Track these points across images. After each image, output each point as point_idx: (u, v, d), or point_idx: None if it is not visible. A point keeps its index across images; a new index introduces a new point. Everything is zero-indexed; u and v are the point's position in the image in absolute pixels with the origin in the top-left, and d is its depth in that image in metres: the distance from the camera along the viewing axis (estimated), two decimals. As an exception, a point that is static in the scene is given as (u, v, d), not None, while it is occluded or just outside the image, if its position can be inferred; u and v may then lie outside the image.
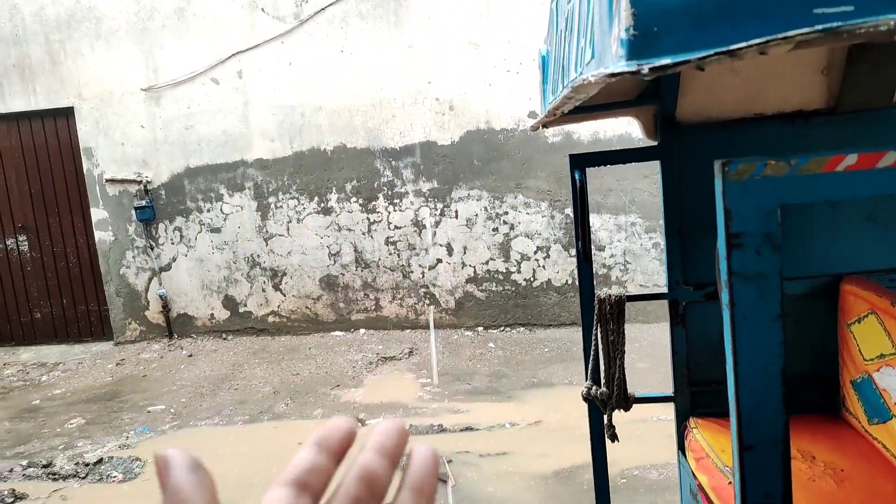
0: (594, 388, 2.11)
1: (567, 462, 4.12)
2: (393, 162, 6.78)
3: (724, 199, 0.70)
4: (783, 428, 0.70)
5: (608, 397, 2.09)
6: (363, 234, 6.94)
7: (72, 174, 7.40)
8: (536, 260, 6.67)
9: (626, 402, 2.10)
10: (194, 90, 6.95)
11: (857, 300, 1.78)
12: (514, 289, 6.75)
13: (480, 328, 6.91)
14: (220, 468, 4.50)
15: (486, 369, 5.94)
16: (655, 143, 1.93)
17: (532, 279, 6.72)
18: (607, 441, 2.19)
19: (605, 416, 2.12)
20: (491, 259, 6.75)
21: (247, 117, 6.92)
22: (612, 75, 0.66)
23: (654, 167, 2.09)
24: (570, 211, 6.38)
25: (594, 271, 6.48)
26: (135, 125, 7.10)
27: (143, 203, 7.09)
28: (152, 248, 7.30)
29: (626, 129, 6.08)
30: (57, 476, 4.56)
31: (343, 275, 7.04)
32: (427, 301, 6.94)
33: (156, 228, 7.26)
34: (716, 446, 1.86)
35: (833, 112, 1.76)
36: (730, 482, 1.69)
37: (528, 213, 6.61)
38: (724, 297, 0.70)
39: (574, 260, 6.52)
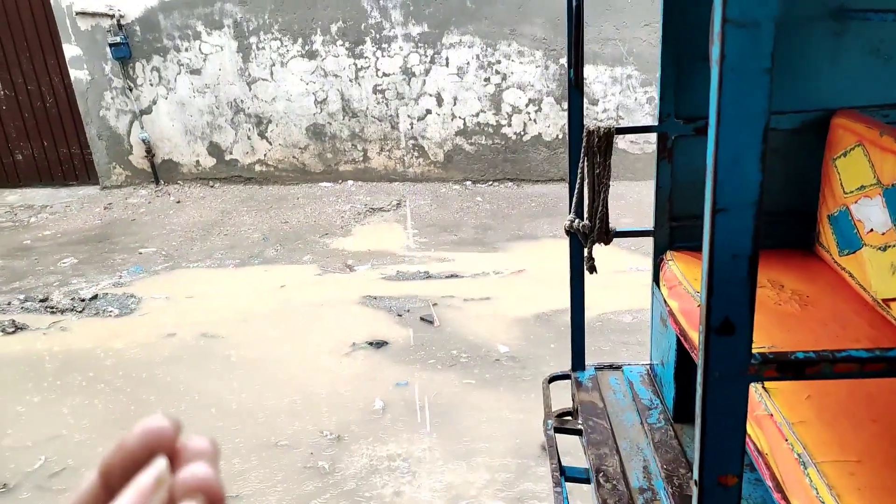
0: (577, 221, 2.14)
1: (547, 307, 4.30)
2: (381, 1, 6.37)
3: None
4: (757, 190, 0.70)
5: (590, 230, 2.12)
6: (350, 81, 6.69)
7: (38, 6, 6.92)
8: (528, 113, 6.52)
9: (608, 235, 2.14)
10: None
11: (845, 133, 1.76)
12: (503, 142, 6.66)
13: (469, 182, 6.91)
14: (215, 304, 4.67)
15: (473, 222, 6.02)
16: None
17: (522, 133, 6.61)
18: (585, 282, 2.26)
19: (586, 249, 2.16)
20: (481, 111, 6.59)
21: (223, -54, 6.37)
22: None
23: (656, 13, 1.97)
24: (564, 61, 6.14)
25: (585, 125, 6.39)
26: (102, -48, 6.54)
27: (118, 39, 6.71)
28: (131, 90, 7.03)
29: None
30: (55, 309, 4.72)
31: (330, 124, 6.88)
32: (416, 153, 6.86)
33: (133, 68, 6.94)
34: (689, 275, 1.92)
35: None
36: (699, 305, 1.77)
37: (521, 63, 6.36)
38: (715, 51, 0.67)
39: (566, 114, 6.38)
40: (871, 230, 1.62)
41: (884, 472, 1.08)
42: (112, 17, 6.73)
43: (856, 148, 1.71)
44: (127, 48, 6.79)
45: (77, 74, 7.00)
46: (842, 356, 0.75)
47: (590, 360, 2.36)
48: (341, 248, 5.60)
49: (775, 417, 1.23)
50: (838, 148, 1.81)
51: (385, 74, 6.62)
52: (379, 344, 3.99)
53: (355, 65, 6.62)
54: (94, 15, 6.76)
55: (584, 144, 2.02)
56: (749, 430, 1.34)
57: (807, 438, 1.15)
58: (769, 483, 1.17)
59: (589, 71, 6.21)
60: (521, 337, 3.99)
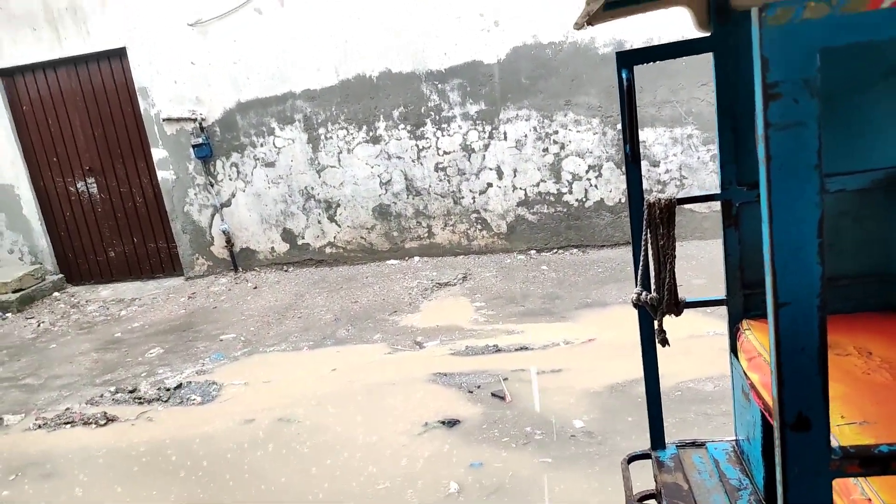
0: (644, 293, 2.11)
1: (621, 377, 4.17)
2: (439, 85, 6.67)
3: (762, 47, 0.67)
4: (819, 283, 0.69)
5: (658, 302, 2.08)
6: (412, 161, 6.95)
7: (130, 115, 7.63)
8: (588, 179, 6.54)
9: (677, 306, 2.09)
10: (238, 22, 6.94)
11: (923, 191, 1.69)
12: (565, 210, 6.68)
13: (533, 251, 6.91)
14: (290, 388, 4.77)
15: (540, 291, 5.98)
16: (708, 34, 1.83)
17: (584, 199, 6.61)
18: (660, 350, 2.20)
19: (656, 322, 2.12)
20: (542, 181, 6.66)
21: (291, 47, 6.90)
22: None
23: (711, 73, 1.99)
24: (620, 126, 6.18)
25: (649, 188, 6.33)
26: (185, 62, 7.20)
27: (200, 140, 7.28)
28: (212, 185, 7.54)
29: (681, 33, 5.75)
30: (142, 400, 4.94)
31: (395, 203, 7.12)
32: (479, 226, 6.96)
33: (214, 165, 7.47)
34: (767, 345, 1.84)
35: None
36: (780, 378, 1.69)
37: (578, 132, 6.45)
38: (760, 151, 0.68)
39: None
40: (963, 291, 1.52)
41: None
42: (195, 120, 7.32)
43: (935, 205, 1.63)
44: (208, 148, 7.34)
45: (164, 175, 7.59)
46: None
47: (671, 431, 2.26)
48: (410, 324, 5.66)
49: (874, 502, 1.14)
50: (916, 205, 1.73)
51: (445, 153, 6.84)
52: (451, 423, 3.95)
53: (417, 146, 6.88)
54: (178, 120, 7.38)
55: (645, 216, 2.01)
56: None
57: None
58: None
59: (647, 134, 6.22)
60: (596, 410, 3.86)
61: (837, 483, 1.34)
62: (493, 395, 4.22)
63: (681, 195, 2.10)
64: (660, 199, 1.96)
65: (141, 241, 8.03)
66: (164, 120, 7.41)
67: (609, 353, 4.58)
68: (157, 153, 7.55)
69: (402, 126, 6.87)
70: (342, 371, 4.94)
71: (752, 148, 2.00)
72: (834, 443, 1.38)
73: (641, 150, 6.25)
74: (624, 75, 1.81)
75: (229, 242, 7.64)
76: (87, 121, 7.75)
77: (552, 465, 3.40)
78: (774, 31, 0.67)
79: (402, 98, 6.80)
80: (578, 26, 1.63)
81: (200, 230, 7.70)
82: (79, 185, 7.98)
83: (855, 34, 0.67)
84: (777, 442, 0.72)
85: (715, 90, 1.99)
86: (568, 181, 6.60)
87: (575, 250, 6.78)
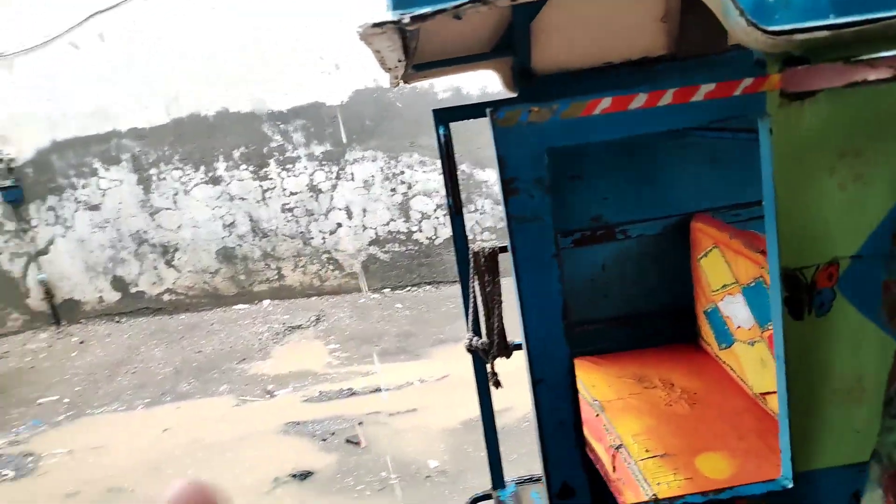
0: (475, 339, 2.16)
1: (474, 413, 4.21)
2: (281, 126, 6.54)
3: (497, 146, 0.72)
4: (567, 361, 0.74)
5: (489, 346, 2.14)
6: (257, 202, 6.71)
7: (-80, 156, 6.67)
8: (437, 217, 6.70)
9: (507, 349, 2.17)
10: (53, 56, 6.36)
11: (703, 236, 1.91)
12: (416, 248, 6.78)
13: (387, 289, 6.92)
14: (122, 453, 4.34)
15: (395, 330, 5.99)
16: (515, 95, 1.96)
17: (434, 237, 6.76)
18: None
19: (488, 365, 2.18)
20: (392, 220, 6.72)
21: (115, 84, 6.42)
22: (376, 25, 0.65)
23: None
24: (465, 167, 6.43)
25: (493, 225, 6.62)
26: (-12, 98, 6.45)
27: (8, 183, 6.52)
28: (25, 231, 6.75)
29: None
30: (-62, 482, 4.25)
31: (240, 245, 6.81)
32: (331, 266, 6.85)
33: (27, 210, 6.70)
34: (587, 382, 1.97)
35: (675, 57, 1.84)
36: (597, 414, 1.80)
37: (424, 171, 6.60)
38: (508, 239, 0.73)
39: (472, 216, 6.61)
40: (739, 326, 1.73)
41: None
42: (1, 161, 6.55)
43: (713, 249, 1.85)
44: (19, 191, 6.59)
45: (-35, 221, 6.69)
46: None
47: (523, 461, 2.33)
48: (260, 372, 5.40)
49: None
50: (700, 249, 1.95)
51: (292, 193, 6.69)
52: (303, 475, 3.80)
53: (261, 186, 6.67)
54: (-19, 160, 6.56)
55: (472, 265, 2.08)
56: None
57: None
58: None
59: (489, 174, 6.52)
60: (451, 448, 3.90)
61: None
62: (347, 441, 4.12)
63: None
64: (483, 249, 2.04)
65: (-63, 297, 6.98)
66: (-37, 160, 6.56)
67: (462, 389, 4.64)
68: (-43, 197, 6.65)
69: (243, 166, 6.62)
70: (183, 429, 4.57)
71: (565, 200, 2.15)
72: (639, 478, 1.48)
73: (485, 190, 6.54)
74: (441, 132, 1.88)
75: (49, 294, 6.85)
76: None
77: (407, 511, 3.37)
78: (506, 133, 0.73)
79: (242, 138, 6.57)
80: (394, 85, 1.67)
81: (12, 281, 6.85)
82: None
83: (576, 136, 0.74)
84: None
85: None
86: (417, 220, 6.72)
87: (428, 287, 6.89)
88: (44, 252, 6.81)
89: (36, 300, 6.89)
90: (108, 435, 4.65)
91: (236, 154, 6.60)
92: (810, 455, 0.78)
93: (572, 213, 2.14)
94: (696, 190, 2.04)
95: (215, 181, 6.66)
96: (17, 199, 6.59)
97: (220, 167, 6.63)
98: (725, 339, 1.82)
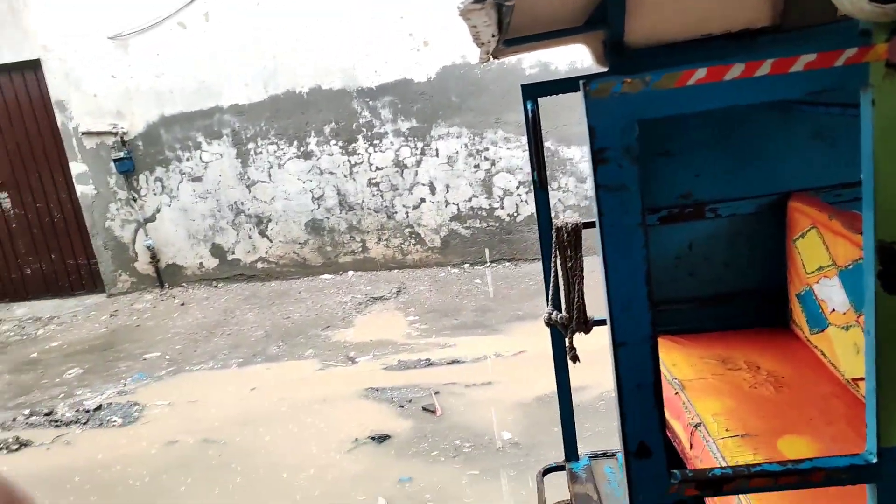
0: (555, 312, 2.19)
1: (549, 388, 4.26)
2: (370, 102, 6.69)
3: (588, 117, 0.74)
4: (650, 325, 0.76)
5: (568, 321, 2.16)
6: (345, 176, 6.93)
7: (47, 128, 7.30)
8: (519, 195, 6.69)
9: (586, 324, 2.18)
10: (162, 36, 6.78)
11: (800, 216, 1.83)
12: (497, 224, 6.81)
13: (467, 265, 7.00)
14: (217, 407, 4.66)
15: (473, 305, 6.06)
16: (606, 70, 1.94)
17: (515, 214, 6.76)
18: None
19: (567, 340, 2.20)
20: (474, 196, 6.77)
21: (218, 62, 6.78)
22: (476, 0, 0.68)
23: None
24: (550, 144, 6.37)
25: (577, 203, 6.54)
26: (105, 75, 6.96)
27: (122, 155, 7.03)
28: (135, 200, 7.29)
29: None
30: (59, 423, 4.72)
31: (328, 218, 7.07)
32: (413, 241, 7.00)
33: (136, 180, 7.23)
34: (668, 361, 1.95)
35: (779, 29, 1.77)
36: (676, 393, 1.79)
37: (508, 149, 6.60)
38: (595, 209, 0.75)
39: (556, 193, 6.55)
40: (834, 310, 1.66)
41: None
42: (116, 134, 7.07)
43: (811, 230, 1.78)
44: (131, 162, 7.10)
45: (83, 189, 7.29)
46: (756, 471, 0.79)
47: (595, 441, 2.35)
48: (343, 340, 5.63)
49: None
50: (796, 230, 1.88)
51: (378, 168, 6.86)
52: (381, 438, 3.96)
53: (349, 161, 6.87)
54: (98, 134, 7.11)
55: (554, 240, 2.09)
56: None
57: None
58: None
59: (574, 152, 6.43)
60: (524, 422, 3.95)
61: (719, 500, 1.44)
62: (423, 409, 4.25)
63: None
64: (567, 223, 2.05)
65: (59, 257, 7.67)
66: (82, 134, 7.13)
67: (538, 365, 4.68)
68: (76, 167, 7.25)
69: (333, 142, 6.84)
70: (272, 389, 4.86)
71: (654, 176, 2.12)
72: (717, 456, 1.48)
73: (569, 168, 6.46)
74: (529, 107, 1.89)
75: (154, 258, 7.39)
76: (-1, 132, 7.36)
77: (479, 478, 3.46)
78: (598, 104, 0.75)
79: (333, 114, 6.78)
80: (483, 60, 1.70)
81: (123, 246, 7.43)
82: (-10, 200, 7.56)
83: (667, 108, 0.75)
84: (623, 469, 0.79)
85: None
86: (499, 196, 6.73)
87: (508, 263, 6.91)
88: (151, 220, 7.34)
89: (143, 264, 7.45)
90: (204, 390, 5.00)
91: (327, 129, 6.83)
92: None
93: (661, 190, 2.10)
94: (796, 168, 1.96)
95: (307, 156, 6.93)
96: (128, 169, 7.12)
97: (312, 142, 6.88)
98: (818, 323, 1.76)
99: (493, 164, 6.66)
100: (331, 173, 6.94)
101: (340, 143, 6.84)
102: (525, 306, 5.86)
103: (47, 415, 4.86)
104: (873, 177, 0.73)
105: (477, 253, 6.93)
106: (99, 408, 4.86)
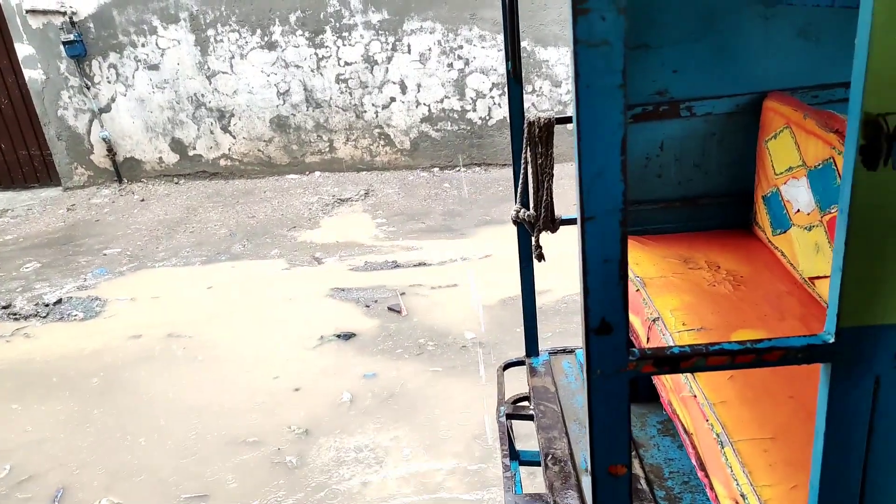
0: (522, 210, 2.16)
1: (513, 291, 4.34)
2: (339, -11, 6.31)
3: None
4: (621, 198, 0.72)
5: (535, 219, 2.14)
6: (312, 71, 6.63)
7: (-14, 5, 6.74)
8: (492, 97, 6.52)
9: (553, 223, 2.16)
10: None
11: (775, 115, 1.79)
12: (469, 128, 6.66)
13: (437, 168, 6.90)
14: (181, 304, 4.64)
15: (441, 208, 6.03)
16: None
17: (487, 117, 6.61)
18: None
19: (533, 238, 2.19)
20: (446, 97, 6.57)
21: (174, -63, 6.25)
22: None
23: None
24: (526, 44, 6.14)
25: (551, 107, 6.41)
26: (49, -53, 6.38)
27: (72, 37, 6.57)
28: (88, 88, 6.89)
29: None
30: (17, 316, 4.65)
31: (294, 115, 6.82)
32: (382, 142, 6.83)
33: (89, 66, 6.80)
34: (632, 260, 1.96)
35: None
36: (637, 290, 1.81)
37: (483, 48, 6.35)
38: (571, 69, 0.68)
39: (529, 97, 6.40)
40: (798, 210, 1.66)
41: (795, 447, 1.12)
42: (64, 13, 6.57)
43: (784, 130, 1.75)
44: (81, 46, 6.65)
45: (31, 74, 6.84)
46: (714, 349, 0.78)
47: (555, 340, 2.40)
48: (309, 240, 5.58)
49: (699, 398, 1.27)
50: (769, 130, 1.84)
51: (347, 63, 6.56)
52: (347, 336, 4.01)
53: (316, 55, 6.55)
54: (45, 13, 6.59)
55: (525, 135, 2.03)
56: (678, 410, 1.38)
57: (726, 418, 1.20)
58: (694, 462, 1.21)
59: (550, 53, 6.22)
60: (488, 323, 4.03)
61: (671, 381, 1.49)
62: (389, 308, 4.29)
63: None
64: (539, 118, 1.98)
65: (10, 147, 7.31)
66: (27, 12, 6.60)
67: (504, 269, 4.73)
68: (22, 49, 6.76)
69: (299, 32, 6.48)
70: (237, 286, 4.84)
71: (630, 69, 2.03)
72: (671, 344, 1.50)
73: (545, 70, 6.27)
74: None
75: (111, 151, 7.10)
76: (-67, 7, 6.77)
77: (443, 374, 3.55)
78: None
79: (299, 1, 6.38)
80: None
81: (77, 137, 7.09)
82: (-71, 82, 7.07)
83: None
84: (583, 345, 0.78)
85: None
86: (472, 98, 6.55)
87: (478, 168, 6.84)
88: (106, 110, 6.98)
89: (99, 157, 7.16)
90: (168, 287, 4.95)
91: (292, 18, 6.45)
92: (858, 311, 0.76)
93: (635, 86, 2.03)
94: (777, 67, 1.90)
95: (271, 46, 6.57)
96: (80, 54, 6.67)
97: (276, 31, 6.51)
98: (782, 224, 1.76)
99: (466, 63, 6.42)
100: (297, 66, 6.62)
101: (307, 35, 6.49)
102: (494, 211, 5.85)
103: (5, 308, 4.78)
104: (868, 43, 0.67)
105: (447, 156, 6.82)
106: (59, 301, 4.79)
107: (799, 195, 1.66)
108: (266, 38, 6.53)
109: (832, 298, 0.77)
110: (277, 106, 6.79)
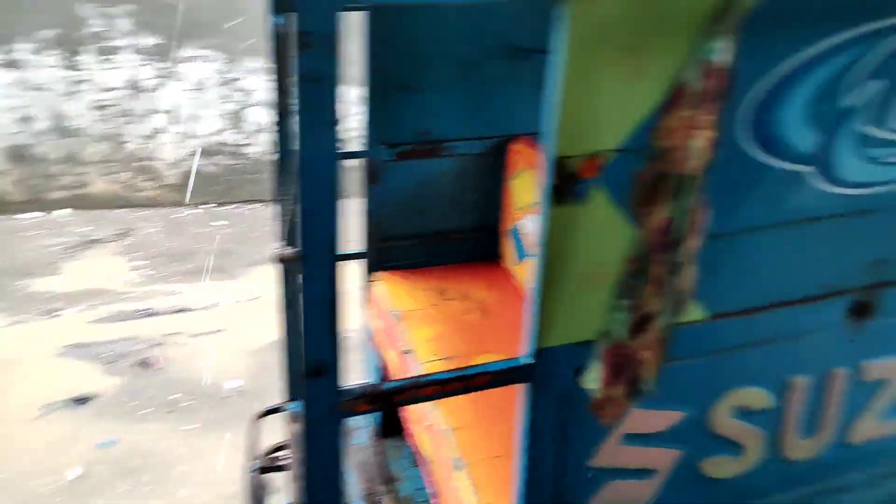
0: (288, 249, 2.05)
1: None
2: (104, 8, 5.72)
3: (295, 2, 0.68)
4: (333, 236, 0.73)
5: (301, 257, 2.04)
6: (65, 95, 5.87)
7: None
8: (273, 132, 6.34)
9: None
10: None
11: (518, 157, 1.96)
12: (246, 163, 6.39)
13: (211, 205, 6.47)
14: None
15: (210, 248, 5.63)
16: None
17: (267, 153, 6.40)
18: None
19: (301, 276, 2.08)
20: (223, 130, 6.25)
21: None
22: None
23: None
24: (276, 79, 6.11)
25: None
26: None
27: None
28: None
29: None
30: None
31: (36, 145, 5.95)
32: (146, 176, 6.24)
33: None
34: (392, 294, 1.95)
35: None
36: (394, 324, 1.80)
37: (266, 80, 6.18)
38: (296, 104, 0.70)
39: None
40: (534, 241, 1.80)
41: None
42: None
43: (525, 171, 1.90)
44: None
45: None
46: (425, 381, 0.80)
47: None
48: (45, 290, 4.81)
49: (438, 426, 1.26)
50: (513, 170, 1.99)
51: (109, 89, 5.93)
52: (81, 400, 3.46)
53: (72, 78, 5.83)
54: None
55: (290, 170, 1.95)
56: (420, 439, 1.36)
57: (463, 442, 1.19)
58: (429, 490, 1.19)
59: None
60: (254, 369, 3.78)
61: (417, 411, 1.47)
62: (138, 363, 3.83)
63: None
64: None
65: None
66: None
67: (273, 310, 4.52)
68: None
69: (52, 51, 5.73)
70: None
71: (396, 111, 2.08)
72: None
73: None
74: (275, 21, 1.74)
75: None
76: None
77: (199, 431, 3.22)
78: None
79: (53, 17, 5.65)
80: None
81: None
82: None
83: None
84: (301, 388, 0.76)
85: (367, 53, 2.01)
86: (251, 132, 6.31)
87: (256, 205, 6.54)
88: None
89: None
90: None
91: (44, 35, 5.67)
92: (549, 334, 0.83)
93: (400, 126, 2.08)
94: (523, 113, 2.08)
95: (12, 65, 5.68)
96: None
97: (21, 49, 5.66)
98: (522, 254, 1.90)
99: (247, 95, 6.19)
100: (46, 90, 5.82)
101: (61, 55, 5.75)
102: (267, 250, 5.60)
103: None
104: (562, 91, 0.76)
105: (223, 192, 6.43)
106: None
107: (535, 228, 1.79)
108: (7, 56, 5.66)
109: (533, 323, 0.83)
110: (14, 134, 5.86)
